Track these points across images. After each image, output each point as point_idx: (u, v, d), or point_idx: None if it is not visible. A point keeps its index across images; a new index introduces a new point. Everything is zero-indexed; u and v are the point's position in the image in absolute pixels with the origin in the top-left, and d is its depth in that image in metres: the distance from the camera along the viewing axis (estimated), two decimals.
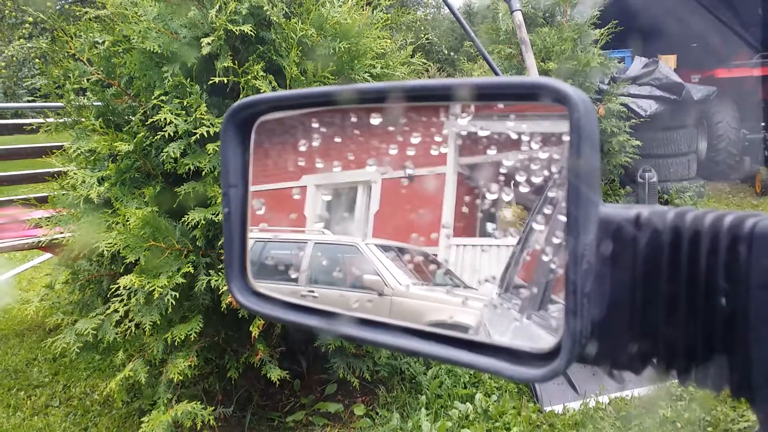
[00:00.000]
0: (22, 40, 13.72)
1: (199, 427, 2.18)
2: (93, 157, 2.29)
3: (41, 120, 2.54)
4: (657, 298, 0.34)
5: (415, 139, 0.46)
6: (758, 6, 7.67)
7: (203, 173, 2.12)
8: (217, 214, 2.10)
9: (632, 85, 6.33)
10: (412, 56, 2.84)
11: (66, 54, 2.34)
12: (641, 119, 6.04)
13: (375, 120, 0.47)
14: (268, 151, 0.53)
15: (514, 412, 2.53)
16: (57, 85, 2.36)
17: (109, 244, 2.07)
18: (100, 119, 2.27)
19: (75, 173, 2.26)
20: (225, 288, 2.06)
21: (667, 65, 6.70)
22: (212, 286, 2.10)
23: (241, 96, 2.18)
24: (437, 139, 0.45)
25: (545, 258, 0.40)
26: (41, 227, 2.47)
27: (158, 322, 2.09)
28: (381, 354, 2.69)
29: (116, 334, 2.17)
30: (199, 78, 2.21)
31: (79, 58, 2.31)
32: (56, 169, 2.48)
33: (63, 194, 2.33)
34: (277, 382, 2.24)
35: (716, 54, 7.80)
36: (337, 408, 2.60)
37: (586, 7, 5.68)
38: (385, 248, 0.50)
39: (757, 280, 0.31)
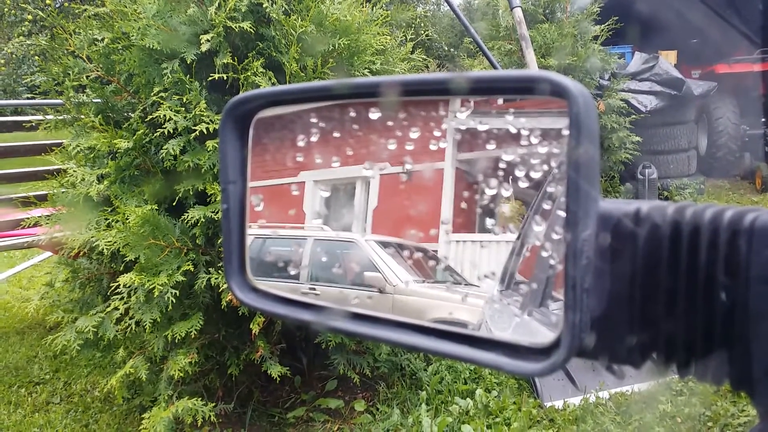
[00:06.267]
0: (21, 37, 13.68)
1: (199, 424, 2.19)
2: (92, 155, 2.29)
3: (40, 117, 2.53)
4: (656, 293, 0.34)
5: (414, 134, 0.46)
6: (758, 1, 7.65)
7: (203, 170, 2.12)
8: (217, 212, 2.10)
9: (632, 80, 6.32)
10: (412, 52, 2.84)
11: (65, 51, 2.33)
12: (641, 115, 6.03)
13: (373, 115, 0.47)
14: (267, 147, 0.52)
15: (514, 408, 2.53)
16: (56, 82, 2.35)
17: (108, 242, 2.07)
18: (99, 116, 2.26)
19: (74, 171, 2.25)
20: (225, 286, 2.05)
21: (667, 61, 6.68)
22: (212, 283, 2.10)
23: (240, 92, 2.17)
24: (436, 134, 0.45)
25: (545, 254, 0.40)
26: (40, 225, 2.46)
27: (158, 320, 2.09)
28: (381, 350, 2.69)
29: (116, 331, 2.17)
30: (199, 75, 2.21)
31: (79, 55, 2.31)
32: (55, 167, 2.47)
33: (62, 192, 2.32)
34: (278, 379, 2.25)
35: (716, 49, 7.77)
36: (338, 404, 2.60)
37: (585, 1, 5.67)
38: (385, 244, 0.49)
39: (756, 273, 0.31)
